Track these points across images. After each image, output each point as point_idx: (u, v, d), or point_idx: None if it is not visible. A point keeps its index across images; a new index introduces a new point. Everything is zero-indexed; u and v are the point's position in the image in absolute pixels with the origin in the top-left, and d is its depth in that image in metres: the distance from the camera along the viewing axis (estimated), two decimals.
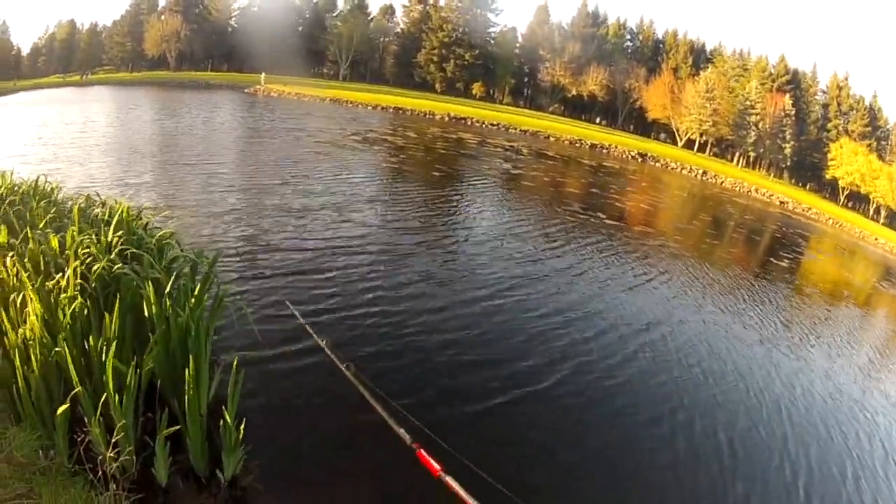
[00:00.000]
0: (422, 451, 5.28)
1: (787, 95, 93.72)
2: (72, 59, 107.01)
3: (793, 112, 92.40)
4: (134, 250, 6.93)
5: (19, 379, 5.21)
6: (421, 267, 13.40)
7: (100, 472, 4.70)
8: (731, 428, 9.18)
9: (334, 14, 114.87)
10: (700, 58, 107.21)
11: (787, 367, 12.77)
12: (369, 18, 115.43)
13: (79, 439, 4.91)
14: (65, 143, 25.11)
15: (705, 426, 8.99)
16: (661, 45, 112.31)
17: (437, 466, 5.27)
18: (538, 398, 8.50)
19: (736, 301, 16.80)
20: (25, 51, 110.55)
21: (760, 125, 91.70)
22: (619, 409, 8.85)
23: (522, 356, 9.70)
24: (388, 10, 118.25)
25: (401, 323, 10.00)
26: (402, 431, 5.69)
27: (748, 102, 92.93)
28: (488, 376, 8.75)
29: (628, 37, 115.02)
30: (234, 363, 5.76)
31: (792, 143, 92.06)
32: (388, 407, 6.08)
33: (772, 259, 25.57)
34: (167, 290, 6.18)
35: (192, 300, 6.28)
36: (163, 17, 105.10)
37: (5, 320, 5.60)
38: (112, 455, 4.79)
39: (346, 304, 10.47)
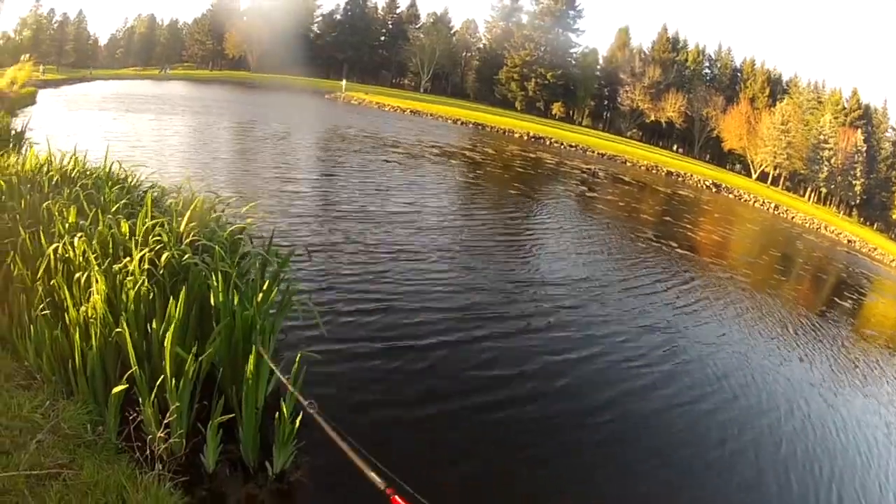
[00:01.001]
0: (396, 496, 4.45)
1: (860, 131, 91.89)
2: (150, 52, 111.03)
3: (864, 148, 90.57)
4: (205, 242, 6.96)
5: (76, 355, 5.31)
6: (472, 284, 13.22)
7: (147, 452, 4.81)
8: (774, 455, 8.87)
9: (416, 26, 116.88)
10: (777, 88, 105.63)
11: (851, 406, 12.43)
12: (452, 32, 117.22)
13: (130, 418, 4.97)
14: (143, 134, 26.09)
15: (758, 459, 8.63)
16: (738, 74, 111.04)
17: None
18: (540, 427, 8.00)
19: (795, 337, 16.41)
20: (103, 41, 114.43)
21: (833, 160, 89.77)
22: (654, 447, 8.24)
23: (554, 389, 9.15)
24: (471, 25, 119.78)
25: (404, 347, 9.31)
26: (373, 475, 4.74)
27: (822, 136, 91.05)
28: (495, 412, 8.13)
29: (707, 64, 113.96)
30: (297, 359, 5.65)
31: (862, 180, 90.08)
32: (355, 448, 4.97)
33: (836, 299, 25.01)
34: (235, 283, 6.23)
35: (260, 295, 6.33)
36: (244, 19, 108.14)
37: (68, 297, 5.70)
38: (162, 436, 4.93)
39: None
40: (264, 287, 6.57)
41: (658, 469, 7.78)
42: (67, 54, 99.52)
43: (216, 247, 6.80)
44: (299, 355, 5.79)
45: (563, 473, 7.22)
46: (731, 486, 7.91)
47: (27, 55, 70.40)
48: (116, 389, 5.15)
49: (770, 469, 8.59)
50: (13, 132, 15.43)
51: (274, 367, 5.57)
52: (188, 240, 6.85)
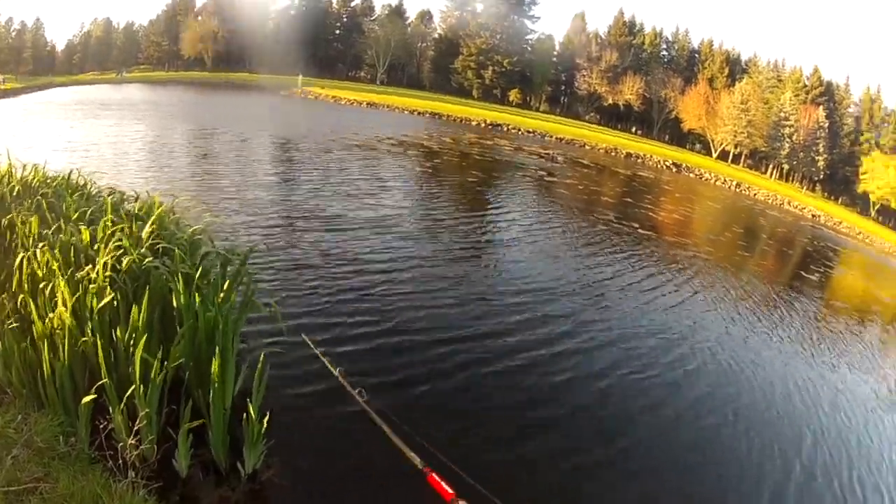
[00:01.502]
0: (433, 474, 4.98)
1: (821, 108, 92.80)
2: (108, 56, 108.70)
3: (826, 125, 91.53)
4: (165, 245, 7.07)
5: (45, 366, 5.29)
6: (445, 276, 13.21)
7: (120, 460, 4.83)
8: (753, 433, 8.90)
9: (371, 18, 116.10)
10: (736, 68, 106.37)
11: (824, 380, 12.52)
12: (407, 23, 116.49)
13: (101, 427, 5.06)
14: (101, 141, 25.76)
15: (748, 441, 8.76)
16: (696, 55, 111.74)
17: (449, 491, 4.96)
18: (558, 414, 8.23)
19: (762, 312, 16.61)
20: (60, 47, 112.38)
21: (794, 137, 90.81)
22: (659, 427, 8.55)
23: (543, 371, 9.38)
24: (426, 16, 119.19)
25: (415, 338, 9.65)
26: (412, 455, 5.37)
27: (782, 114, 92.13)
28: (510, 394, 8.52)
29: (664, 46, 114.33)
30: (261, 358, 5.84)
31: (825, 155, 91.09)
32: (398, 429, 5.77)
33: (802, 272, 25.26)
34: (197, 284, 6.31)
35: (221, 295, 6.42)
36: (199, 18, 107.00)
37: (34, 309, 5.66)
38: (133, 443, 4.93)
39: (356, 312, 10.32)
40: (225, 286, 6.70)
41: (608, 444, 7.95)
42: (25, 62, 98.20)
43: (175, 249, 6.94)
44: (262, 356, 5.95)
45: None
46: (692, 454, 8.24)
47: None
48: (86, 399, 5.18)
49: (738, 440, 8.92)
50: None
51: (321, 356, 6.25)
52: (148, 243, 6.92)
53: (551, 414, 8.25)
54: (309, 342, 7.94)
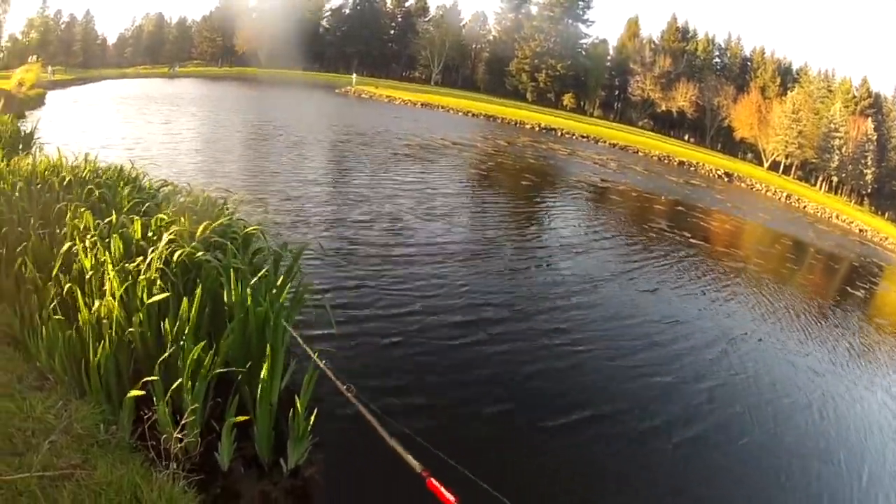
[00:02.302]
0: (432, 479, 4.54)
1: (870, 119, 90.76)
2: (160, 51, 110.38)
3: (874, 137, 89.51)
4: (218, 239, 6.94)
5: (89, 355, 5.29)
6: (484, 276, 13.28)
7: (161, 451, 4.82)
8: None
9: (426, 19, 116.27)
10: (787, 77, 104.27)
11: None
12: (461, 24, 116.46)
13: (145, 417, 4.97)
14: (154, 133, 26.33)
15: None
16: (748, 63, 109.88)
17: (450, 497, 4.48)
18: (573, 419, 7.98)
19: (807, 325, 16.27)
20: (111, 41, 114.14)
21: (843, 149, 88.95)
22: (678, 438, 8.20)
23: (560, 376, 9.21)
24: (481, 17, 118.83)
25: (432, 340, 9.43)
26: (410, 458, 4.82)
27: (832, 125, 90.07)
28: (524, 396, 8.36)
29: (716, 53, 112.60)
30: (315, 356, 5.76)
31: (873, 169, 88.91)
32: (395, 431, 5.16)
33: (848, 288, 24.93)
34: (248, 279, 6.20)
35: (273, 291, 6.33)
36: (254, 16, 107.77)
37: (80, 298, 5.65)
38: (178, 435, 4.87)
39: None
40: (277, 283, 6.59)
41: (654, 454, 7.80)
42: (75, 55, 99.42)
43: (228, 244, 6.84)
44: (316, 354, 5.84)
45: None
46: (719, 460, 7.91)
47: (34, 56, 70.57)
48: (132, 393, 5.14)
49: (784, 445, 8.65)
50: (23, 134, 15.48)
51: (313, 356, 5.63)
52: (200, 237, 6.77)
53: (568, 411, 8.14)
54: (297, 337, 6.70)
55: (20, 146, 13.95)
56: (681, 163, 65.99)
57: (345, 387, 5.33)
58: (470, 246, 15.49)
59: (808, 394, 11.33)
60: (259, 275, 6.51)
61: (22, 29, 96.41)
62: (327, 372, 5.57)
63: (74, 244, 6.37)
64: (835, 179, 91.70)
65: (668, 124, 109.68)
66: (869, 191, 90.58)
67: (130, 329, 5.55)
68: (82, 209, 7.27)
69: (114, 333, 5.45)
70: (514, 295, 12.49)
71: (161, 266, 5.97)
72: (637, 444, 7.89)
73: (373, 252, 13.32)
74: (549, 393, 8.58)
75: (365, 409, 5.11)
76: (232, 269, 6.19)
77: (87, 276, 5.99)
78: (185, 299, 5.65)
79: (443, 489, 4.52)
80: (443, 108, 69.18)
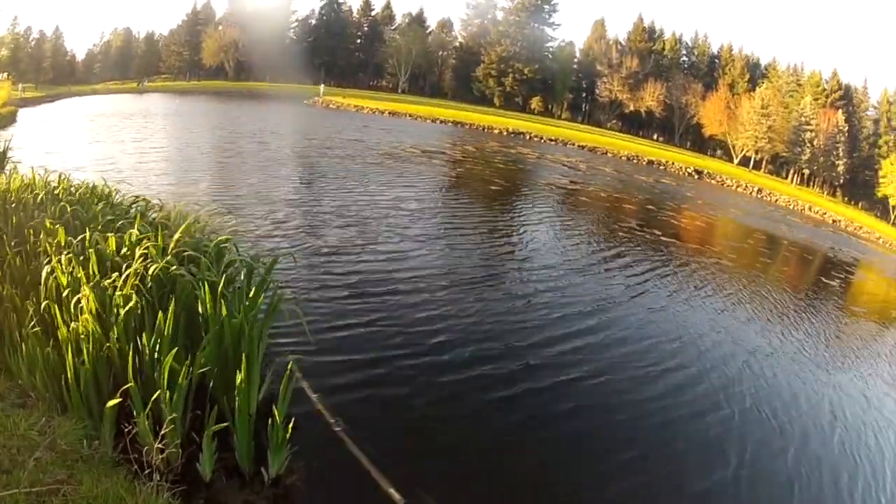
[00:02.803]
0: None
1: (840, 111, 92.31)
2: (128, 66, 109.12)
3: (846, 128, 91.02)
4: (191, 253, 7.01)
5: (69, 371, 5.35)
6: (464, 285, 13.20)
7: (144, 464, 4.91)
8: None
9: (392, 27, 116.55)
10: (755, 73, 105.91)
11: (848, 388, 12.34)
12: (427, 32, 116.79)
13: (126, 430, 5.10)
14: (125, 149, 26.17)
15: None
16: (716, 60, 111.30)
17: None
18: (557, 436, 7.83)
19: (785, 318, 16.50)
20: (80, 56, 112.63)
21: (815, 142, 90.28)
22: (665, 449, 8.11)
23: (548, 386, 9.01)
24: (447, 24, 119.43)
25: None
26: (392, 491, 5.10)
27: (803, 118, 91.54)
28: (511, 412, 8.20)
29: (684, 52, 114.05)
30: (289, 365, 5.96)
31: (845, 160, 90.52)
32: (378, 463, 5.50)
33: (823, 278, 25.31)
34: (222, 292, 6.28)
35: (247, 302, 6.44)
36: (220, 28, 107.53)
37: (58, 315, 5.75)
38: (158, 447, 5.02)
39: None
40: (251, 294, 6.76)
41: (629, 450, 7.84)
42: (45, 71, 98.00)
43: (202, 257, 6.95)
44: (290, 363, 6.23)
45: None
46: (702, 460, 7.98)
47: (5, 74, 69.81)
48: (111, 403, 5.25)
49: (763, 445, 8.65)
50: None
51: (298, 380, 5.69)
52: (174, 251, 6.87)
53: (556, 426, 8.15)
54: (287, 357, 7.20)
55: None
56: (650, 162, 66.68)
57: (334, 420, 5.80)
58: (439, 252, 15.50)
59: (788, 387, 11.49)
60: (232, 287, 6.79)
61: None
62: (306, 390, 6.09)
63: (50, 261, 6.45)
64: (806, 172, 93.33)
65: (637, 124, 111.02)
66: (841, 181, 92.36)
67: (108, 344, 5.62)
68: (56, 226, 7.38)
69: (92, 349, 5.51)
70: (485, 304, 12.41)
71: (136, 282, 6.06)
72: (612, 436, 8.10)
73: (344, 261, 13.34)
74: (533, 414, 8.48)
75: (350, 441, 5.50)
76: (206, 282, 6.27)
77: (64, 294, 6.09)
78: (160, 313, 5.79)
79: None
80: (411, 115, 69.20)
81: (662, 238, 23.56)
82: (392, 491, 4.66)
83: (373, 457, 5.71)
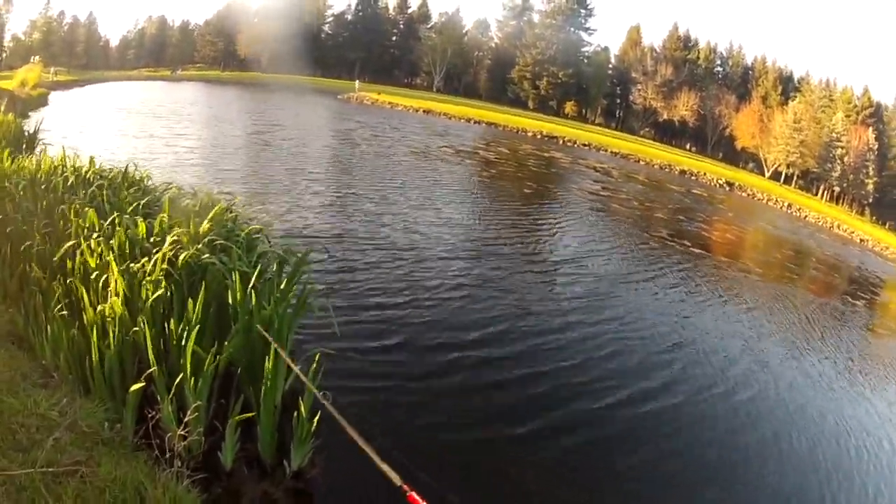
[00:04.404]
0: (413, 494, 4.15)
1: (871, 128, 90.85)
2: (162, 54, 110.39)
3: (875, 146, 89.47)
4: (222, 242, 6.92)
5: (94, 353, 5.32)
6: (496, 282, 13.31)
7: (165, 450, 4.81)
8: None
9: (428, 26, 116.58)
10: (788, 86, 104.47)
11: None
12: (463, 32, 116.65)
13: (149, 416, 5.04)
14: (157, 136, 26.45)
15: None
16: (750, 72, 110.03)
17: None
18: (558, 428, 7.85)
19: (808, 336, 16.29)
20: (114, 43, 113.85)
21: (845, 159, 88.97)
22: (662, 449, 8.06)
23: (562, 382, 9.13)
24: (482, 25, 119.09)
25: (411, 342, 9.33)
26: (389, 471, 4.47)
27: (834, 135, 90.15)
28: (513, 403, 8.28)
29: (718, 62, 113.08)
30: (317, 357, 5.83)
31: (874, 178, 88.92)
32: (372, 441, 4.79)
33: (848, 297, 24.77)
34: (253, 282, 6.21)
35: (278, 294, 6.35)
36: (256, 20, 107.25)
37: (85, 297, 5.69)
38: (181, 434, 4.93)
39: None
40: (281, 286, 6.62)
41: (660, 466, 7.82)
42: (78, 56, 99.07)
43: (233, 246, 6.87)
44: (318, 354, 5.91)
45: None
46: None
47: (36, 57, 70.41)
48: (134, 387, 5.19)
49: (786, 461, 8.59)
50: (27, 134, 15.43)
51: (292, 365, 5.45)
52: (205, 239, 6.78)
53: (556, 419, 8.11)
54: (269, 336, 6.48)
55: (24, 146, 13.95)
56: (682, 171, 66.05)
57: (321, 393, 5.05)
58: (471, 253, 15.51)
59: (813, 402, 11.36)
60: (263, 278, 6.58)
61: (24, 29, 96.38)
62: (309, 384, 5.24)
63: (79, 243, 6.39)
64: (836, 189, 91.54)
65: (670, 133, 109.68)
66: (870, 200, 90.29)
67: (135, 329, 5.55)
68: (87, 209, 7.29)
69: (118, 333, 5.47)
70: (519, 303, 12.42)
71: (165, 267, 5.99)
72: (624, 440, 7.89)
73: (380, 257, 13.35)
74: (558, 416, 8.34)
75: (341, 417, 4.75)
76: (237, 272, 6.19)
77: (92, 276, 6.02)
78: (189, 300, 5.69)
79: None
80: (445, 115, 69.09)
81: (692, 249, 23.45)
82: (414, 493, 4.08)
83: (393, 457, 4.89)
